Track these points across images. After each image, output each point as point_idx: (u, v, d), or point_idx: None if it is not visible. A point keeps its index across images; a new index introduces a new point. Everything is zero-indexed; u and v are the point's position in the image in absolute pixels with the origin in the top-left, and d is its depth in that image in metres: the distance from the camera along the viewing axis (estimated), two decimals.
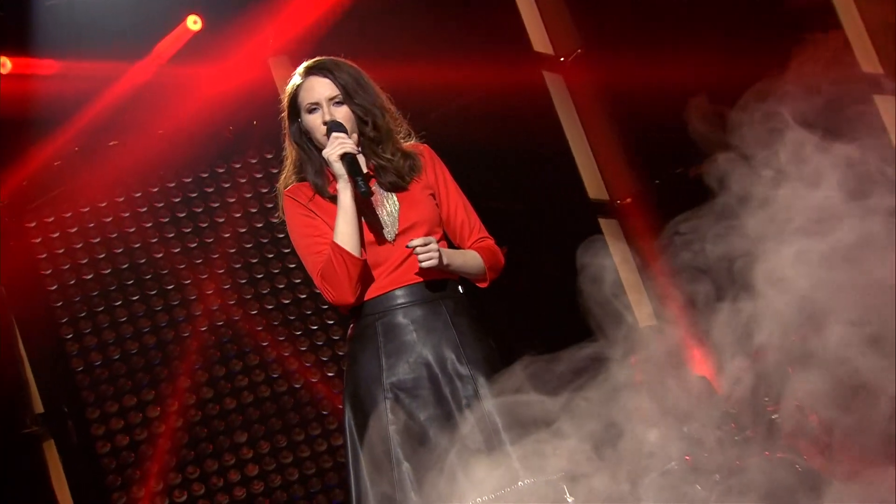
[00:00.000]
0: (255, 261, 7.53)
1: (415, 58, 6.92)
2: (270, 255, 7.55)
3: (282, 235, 7.49)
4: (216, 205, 7.56)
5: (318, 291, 7.09)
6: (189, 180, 7.60)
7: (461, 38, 7.37)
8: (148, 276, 7.42)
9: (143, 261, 7.49)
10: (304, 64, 3.97)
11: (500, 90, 7.29)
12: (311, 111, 3.91)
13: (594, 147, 7.74)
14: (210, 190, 7.59)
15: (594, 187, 7.70)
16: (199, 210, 7.54)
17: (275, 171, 7.29)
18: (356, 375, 3.85)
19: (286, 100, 3.97)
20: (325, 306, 7.41)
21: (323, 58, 3.97)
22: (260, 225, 7.58)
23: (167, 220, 7.50)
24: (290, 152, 4.00)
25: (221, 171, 7.64)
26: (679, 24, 7.15)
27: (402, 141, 4.01)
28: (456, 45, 7.27)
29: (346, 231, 3.78)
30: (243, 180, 7.65)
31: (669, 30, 7.18)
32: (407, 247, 3.77)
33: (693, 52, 6.91)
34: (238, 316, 7.42)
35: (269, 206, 7.44)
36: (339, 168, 3.79)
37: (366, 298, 3.88)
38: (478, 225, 4.04)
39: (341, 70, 3.91)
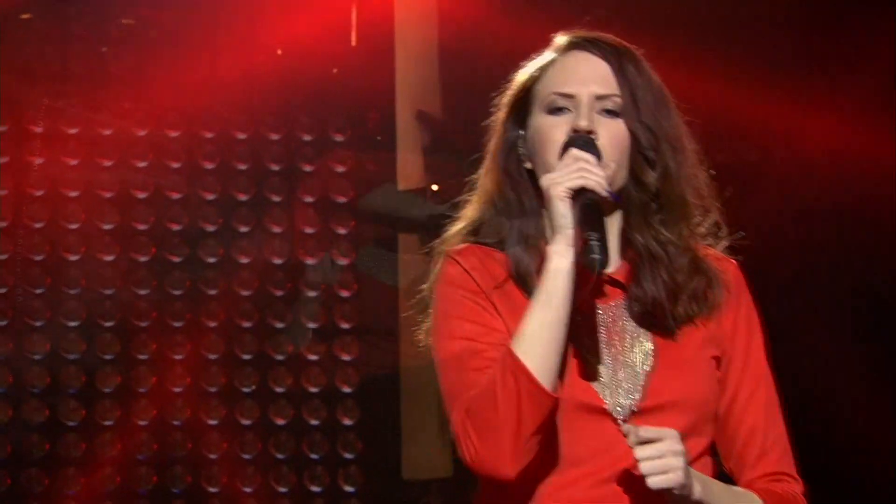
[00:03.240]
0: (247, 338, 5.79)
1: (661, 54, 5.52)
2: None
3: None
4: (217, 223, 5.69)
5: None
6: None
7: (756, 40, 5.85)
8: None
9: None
10: (568, 34, 2.89)
11: (815, 141, 5.75)
12: (553, 110, 2.76)
13: None
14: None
15: None
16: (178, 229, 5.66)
17: (339, 169, 5.72)
18: None
19: (514, 88, 2.85)
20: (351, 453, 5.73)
21: (606, 35, 2.95)
22: (279, 260, 5.72)
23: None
24: (481, 185, 2.84)
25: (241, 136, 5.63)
26: None
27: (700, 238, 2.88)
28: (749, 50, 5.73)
29: (541, 336, 2.60)
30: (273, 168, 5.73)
31: None
32: (623, 430, 2.63)
33: None
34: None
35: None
36: (561, 211, 2.62)
37: (536, 501, 2.73)
38: (780, 447, 2.85)
39: (638, 62, 2.81)
